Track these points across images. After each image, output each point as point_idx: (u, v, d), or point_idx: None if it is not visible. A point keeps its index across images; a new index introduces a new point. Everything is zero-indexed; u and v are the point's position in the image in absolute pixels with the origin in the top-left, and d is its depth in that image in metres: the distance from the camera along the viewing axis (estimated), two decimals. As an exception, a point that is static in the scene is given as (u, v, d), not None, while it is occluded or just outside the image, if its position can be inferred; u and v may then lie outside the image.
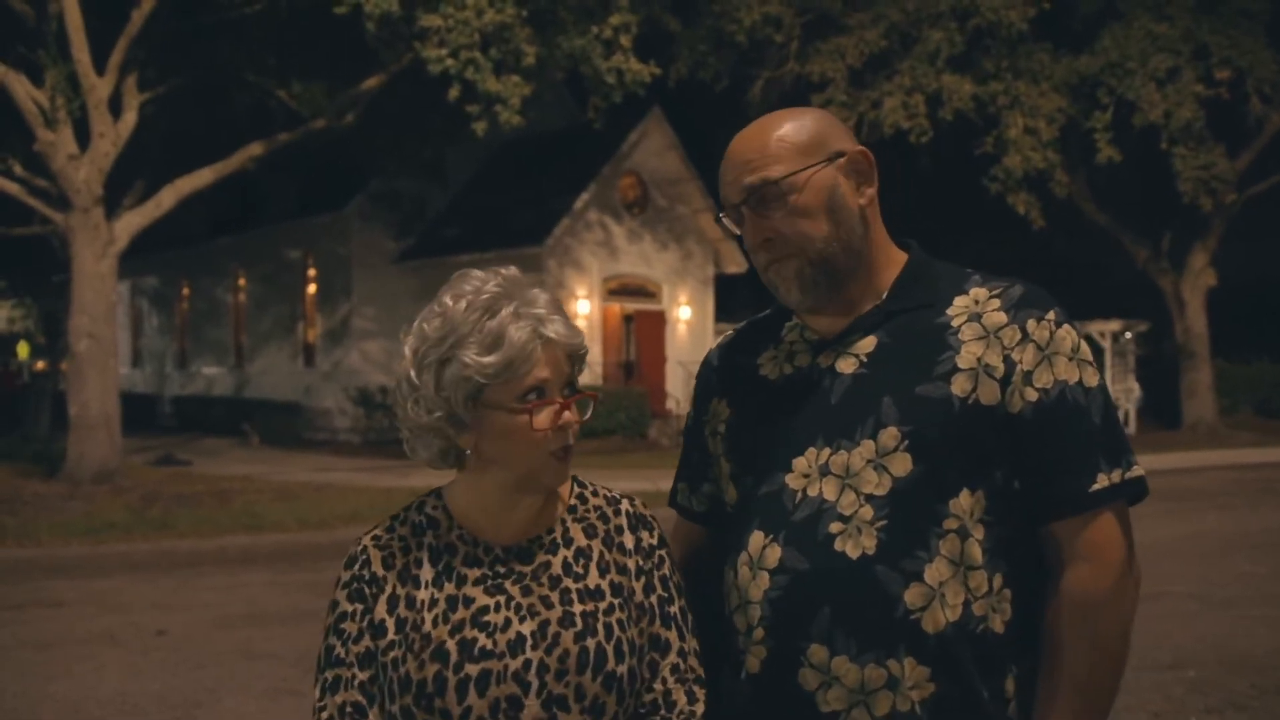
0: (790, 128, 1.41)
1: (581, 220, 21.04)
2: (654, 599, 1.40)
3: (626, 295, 21.87)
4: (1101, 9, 18.18)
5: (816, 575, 1.33)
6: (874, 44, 17.18)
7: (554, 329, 1.32)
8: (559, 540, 1.40)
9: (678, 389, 22.00)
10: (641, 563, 1.41)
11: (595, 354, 20.71)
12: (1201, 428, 20.50)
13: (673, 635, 1.40)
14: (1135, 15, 17.48)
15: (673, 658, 1.39)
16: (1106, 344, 21.24)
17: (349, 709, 1.34)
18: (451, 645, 1.31)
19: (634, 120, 20.68)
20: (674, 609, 1.41)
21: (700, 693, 1.40)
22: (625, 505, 1.45)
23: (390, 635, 1.34)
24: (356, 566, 1.40)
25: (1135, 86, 17.03)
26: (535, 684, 1.30)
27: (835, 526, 1.34)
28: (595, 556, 1.39)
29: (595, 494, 1.47)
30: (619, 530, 1.42)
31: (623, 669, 1.33)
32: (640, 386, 20.80)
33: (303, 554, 9.52)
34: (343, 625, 1.37)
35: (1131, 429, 21.32)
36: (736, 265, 23.00)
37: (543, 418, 1.31)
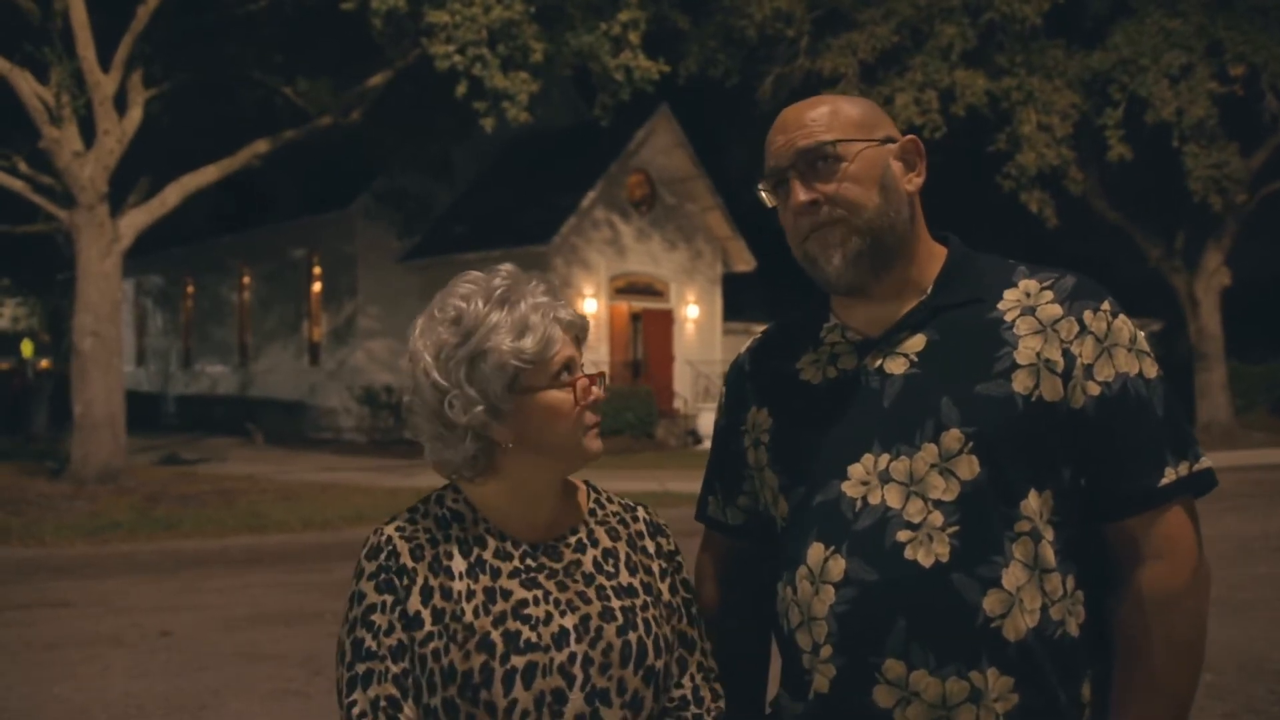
0: (845, 104, 1.40)
1: (588, 218, 20.96)
2: (679, 599, 1.46)
3: (634, 294, 21.79)
4: (1114, 5, 18.04)
5: (887, 586, 1.28)
6: (886, 39, 17.05)
7: (564, 312, 1.38)
8: (585, 540, 1.44)
9: (685, 388, 21.92)
10: (665, 565, 1.47)
11: (602, 353, 20.63)
12: (1215, 428, 20.35)
13: (696, 633, 1.46)
14: (1148, 11, 17.30)
15: (698, 656, 1.45)
16: (1118, 343, 21.10)
17: (384, 703, 1.30)
18: (496, 636, 1.31)
19: (642, 118, 20.57)
20: (695, 609, 1.48)
21: (720, 689, 1.45)
22: (641, 513, 1.51)
23: (428, 627, 1.32)
24: (383, 557, 1.37)
25: (1147, 83, 16.86)
26: (580, 677, 1.32)
27: (904, 535, 1.29)
28: (623, 557, 1.44)
29: (610, 500, 1.51)
30: (640, 535, 1.48)
31: (660, 664, 1.37)
32: (648, 386, 20.71)
33: (307, 555, 9.45)
34: (372, 617, 1.33)
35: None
36: (745, 264, 22.91)
37: (584, 389, 1.38)
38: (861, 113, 1.38)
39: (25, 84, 13.41)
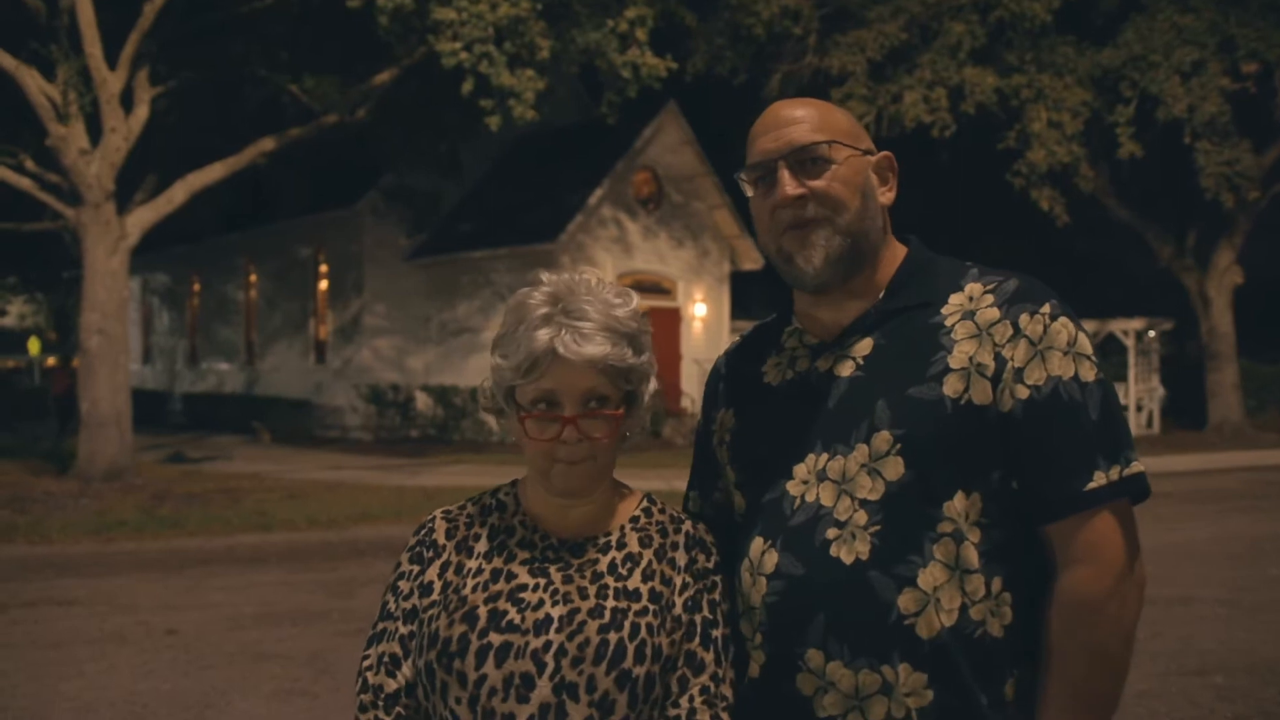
0: (834, 111, 1.44)
1: (595, 216, 20.91)
2: (698, 618, 1.42)
3: (641, 292, 21.23)
4: (1126, 1, 17.92)
5: (811, 581, 1.34)
6: (894, 37, 16.96)
7: (569, 343, 1.33)
8: (613, 543, 1.44)
9: (693, 387, 21.85)
10: (690, 580, 1.43)
11: (609, 352, 20.53)
12: (1227, 428, 20.21)
13: (709, 657, 1.41)
14: (1159, 7, 17.20)
15: (705, 679, 1.40)
16: (1130, 343, 20.96)
17: (386, 659, 1.41)
18: (483, 611, 1.36)
19: (649, 115, 20.51)
20: (717, 633, 1.42)
21: (727, 719, 1.40)
22: (687, 526, 1.48)
23: (434, 595, 1.41)
24: (423, 533, 1.48)
25: (1159, 80, 16.76)
26: (550, 666, 1.32)
27: (831, 532, 1.34)
28: (643, 564, 1.43)
29: (662, 512, 1.50)
30: (674, 546, 1.45)
31: (640, 671, 1.33)
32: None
33: (313, 553, 9.42)
34: (399, 583, 1.45)
35: (1155, 429, 21.09)
36: (752, 262, 22.82)
37: (535, 427, 1.36)
38: (848, 121, 1.43)
39: (32, 81, 13.39)
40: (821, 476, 1.37)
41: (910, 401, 1.33)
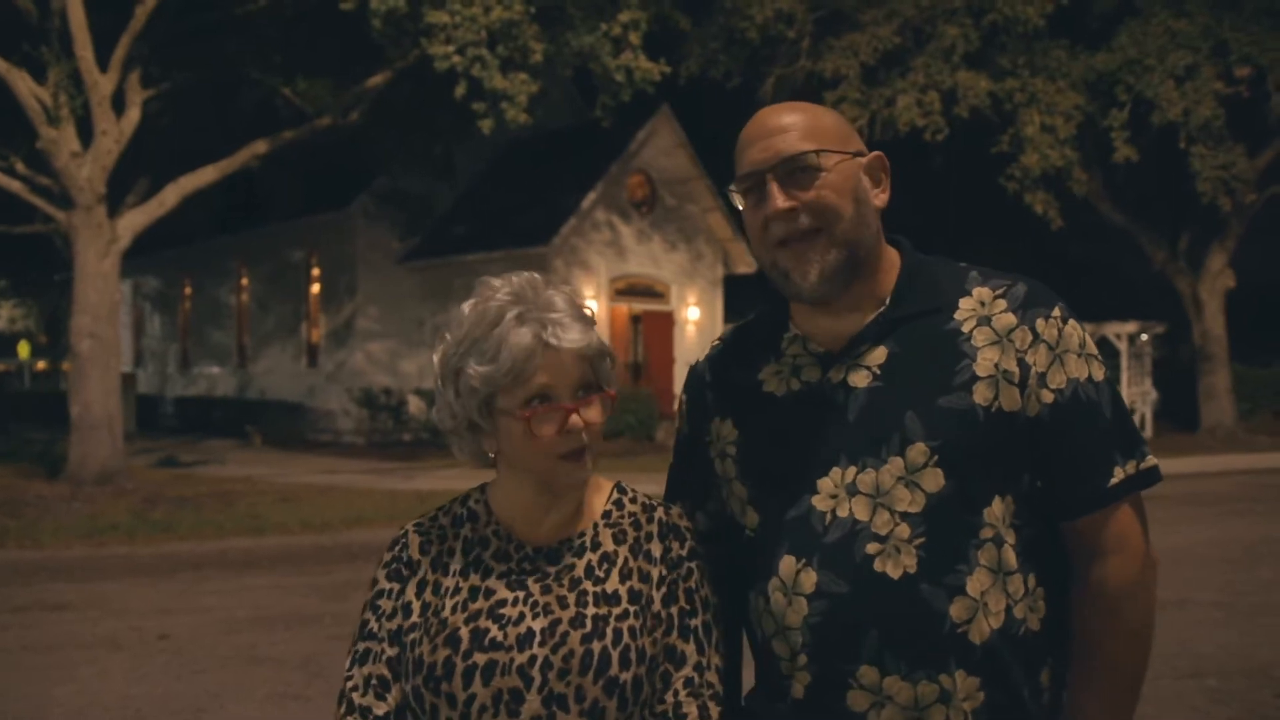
0: (823, 115, 1.42)
1: (589, 220, 20.90)
2: (674, 610, 1.40)
3: (634, 296, 21.72)
4: (1119, 5, 17.99)
5: (858, 598, 1.33)
6: (888, 40, 16.98)
7: (558, 334, 1.33)
8: (587, 544, 1.42)
9: (685, 391, 21.85)
10: (665, 572, 1.41)
11: (602, 355, 20.54)
12: (1220, 431, 20.25)
13: (690, 648, 1.39)
14: (1154, 11, 17.27)
15: (688, 671, 1.39)
16: (1122, 346, 20.98)
17: (374, 681, 1.39)
18: (464, 632, 1.35)
19: (642, 119, 20.52)
20: (695, 622, 1.41)
21: (715, 709, 1.38)
22: (659, 514, 1.46)
23: (414, 617, 1.39)
24: (397, 549, 1.46)
25: (1153, 84, 16.81)
26: (538, 680, 1.32)
27: (872, 547, 1.34)
28: (619, 562, 1.41)
29: (634, 501, 1.48)
30: (648, 538, 1.43)
31: (626, 676, 1.33)
32: (648, 388, 20.64)
33: (306, 557, 9.38)
34: (379, 602, 1.43)
35: (1148, 432, 21.08)
36: (746, 266, 22.85)
37: (543, 425, 1.34)
38: (836, 123, 1.41)
39: (23, 84, 13.33)
40: (852, 490, 1.35)
41: (942, 412, 1.34)
